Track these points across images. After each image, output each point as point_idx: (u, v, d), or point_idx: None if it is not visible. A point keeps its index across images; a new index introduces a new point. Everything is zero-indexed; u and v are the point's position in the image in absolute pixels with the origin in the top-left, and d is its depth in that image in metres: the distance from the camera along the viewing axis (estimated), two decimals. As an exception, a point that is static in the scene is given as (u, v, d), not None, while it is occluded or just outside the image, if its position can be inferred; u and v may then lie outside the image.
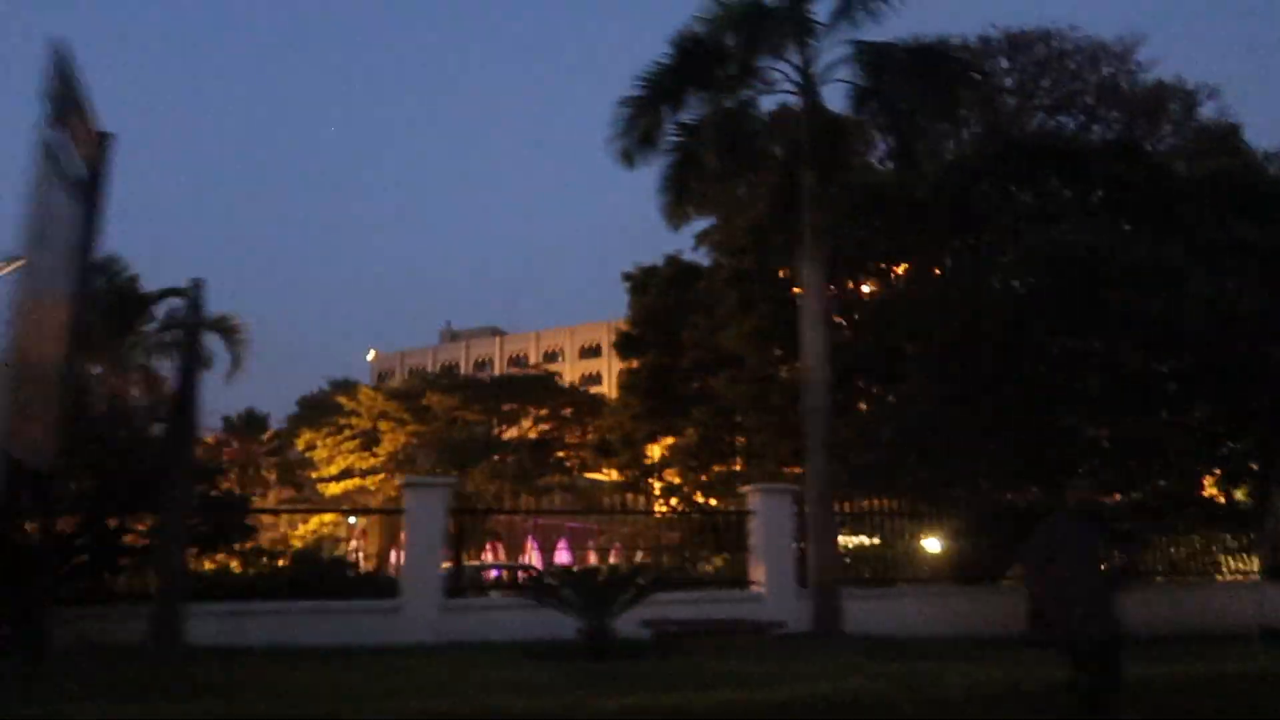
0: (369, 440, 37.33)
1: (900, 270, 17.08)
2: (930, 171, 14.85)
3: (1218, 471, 18.39)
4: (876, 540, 17.08)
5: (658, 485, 27.44)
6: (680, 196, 14.45)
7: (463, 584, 14.17)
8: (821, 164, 13.57)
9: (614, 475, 42.01)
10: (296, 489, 42.76)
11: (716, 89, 13.58)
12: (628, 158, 14.20)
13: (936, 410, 15.20)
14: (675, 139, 14.31)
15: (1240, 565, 17.27)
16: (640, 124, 14.15)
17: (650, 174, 14.25)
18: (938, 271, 16.49)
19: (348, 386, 43.81)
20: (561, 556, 31.60)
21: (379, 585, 13.56)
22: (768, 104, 15.97)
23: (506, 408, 42.18)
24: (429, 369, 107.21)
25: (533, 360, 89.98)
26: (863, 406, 17.01)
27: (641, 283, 27.47)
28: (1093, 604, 5.96)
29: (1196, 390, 16.22)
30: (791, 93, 13.99)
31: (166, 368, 22.17)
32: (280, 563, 17.07)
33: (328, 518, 35.04)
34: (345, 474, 36.98)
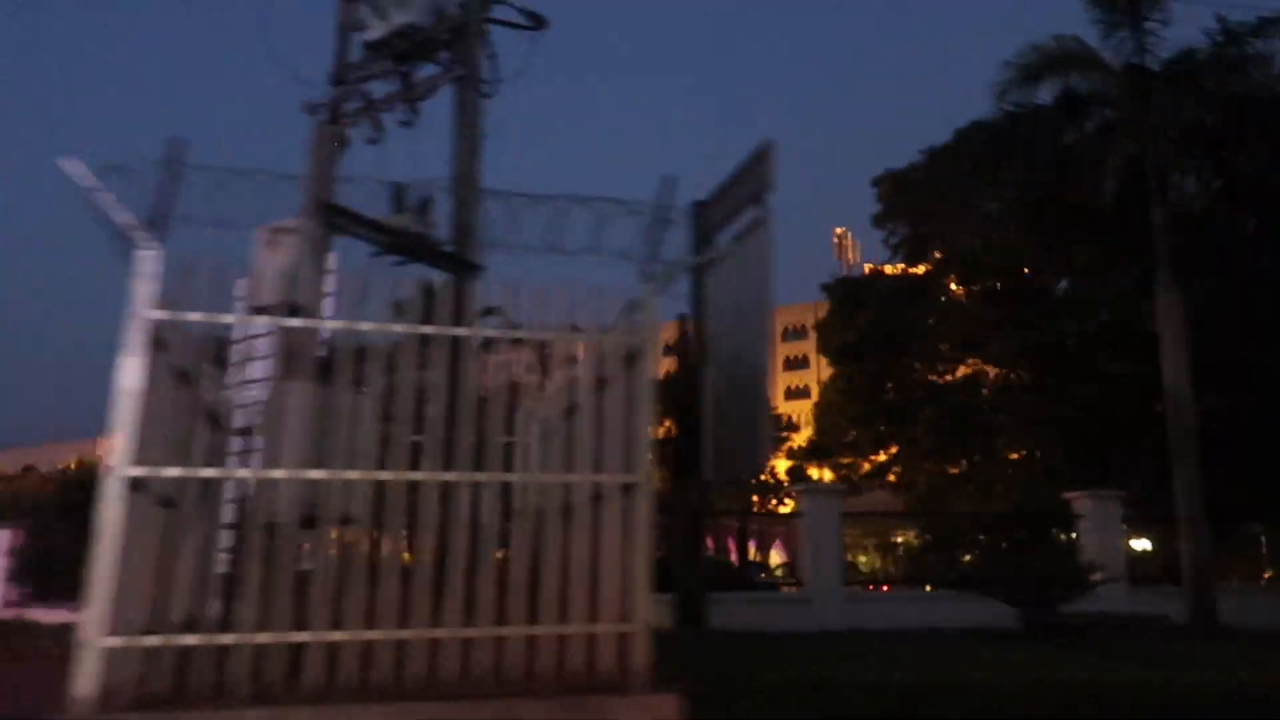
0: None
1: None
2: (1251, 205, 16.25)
3: None
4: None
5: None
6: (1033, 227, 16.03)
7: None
8: (1165, 202, 15.07)
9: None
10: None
11: (1077, 137, 15.11)
12: (978, 193, 15.81)
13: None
14: (1019, 178, 15.78)
15: None
16: (987, 161, 15.80)
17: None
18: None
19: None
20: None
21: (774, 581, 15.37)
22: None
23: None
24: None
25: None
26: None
27: (847, 294, 28.96)
28: None
29: None
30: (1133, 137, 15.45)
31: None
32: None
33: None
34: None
